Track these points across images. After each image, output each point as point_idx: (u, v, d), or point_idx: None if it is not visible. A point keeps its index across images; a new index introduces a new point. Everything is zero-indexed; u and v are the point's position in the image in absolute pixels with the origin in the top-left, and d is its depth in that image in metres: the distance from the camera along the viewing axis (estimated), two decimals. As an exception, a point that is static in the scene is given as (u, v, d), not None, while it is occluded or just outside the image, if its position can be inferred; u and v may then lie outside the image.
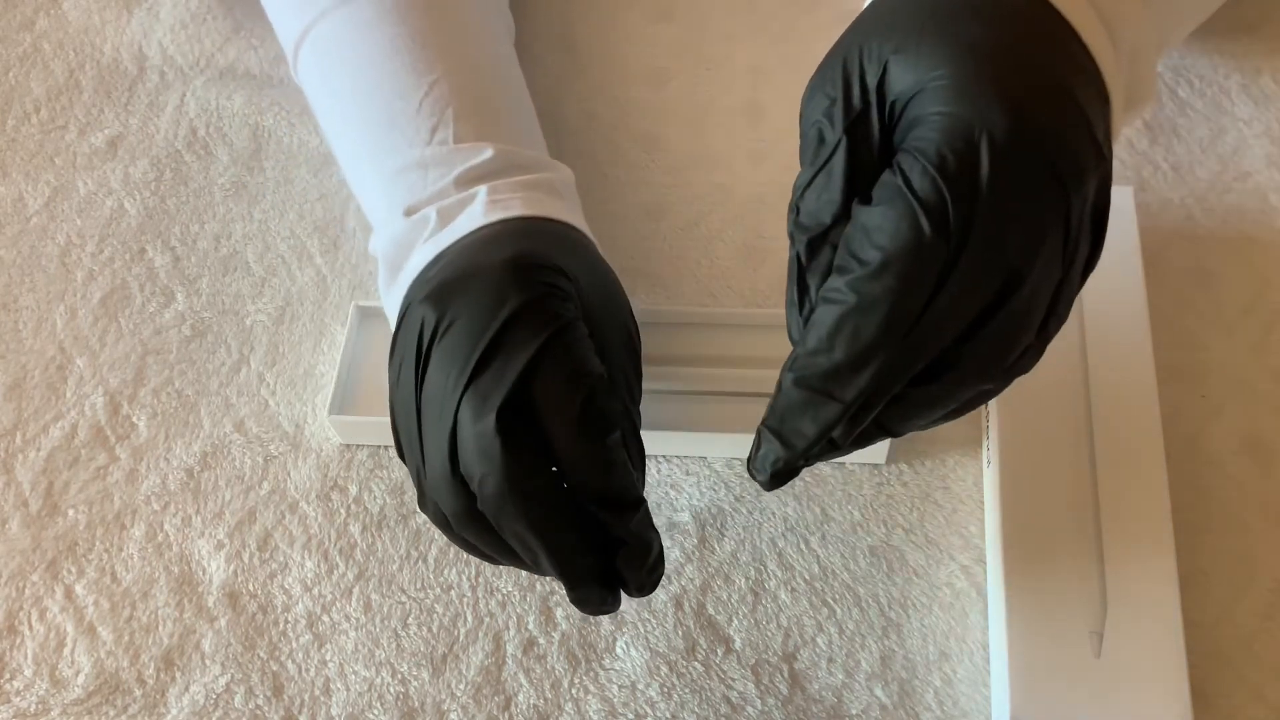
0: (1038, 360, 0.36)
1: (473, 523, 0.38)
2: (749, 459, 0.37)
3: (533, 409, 0.38)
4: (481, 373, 0.37)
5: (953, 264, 0.33)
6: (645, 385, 0.50)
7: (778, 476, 0.36)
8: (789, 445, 0.35)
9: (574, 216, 0.46)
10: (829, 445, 0.36)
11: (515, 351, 0.37)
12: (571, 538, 0.38)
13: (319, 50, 0.52)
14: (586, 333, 0.40)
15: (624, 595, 0.40)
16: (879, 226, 0.33)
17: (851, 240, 0.34)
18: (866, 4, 0.39)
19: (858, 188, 0.35)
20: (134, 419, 0.54)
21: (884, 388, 0.34)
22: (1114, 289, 0.51)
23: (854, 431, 0.35)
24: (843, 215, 0.35)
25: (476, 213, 0.44)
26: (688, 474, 0.51)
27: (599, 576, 0.38)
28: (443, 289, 0.40)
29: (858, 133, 0.35)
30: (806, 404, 0.35)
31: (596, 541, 0.38)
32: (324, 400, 0.54)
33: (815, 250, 0.36)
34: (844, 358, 0.34)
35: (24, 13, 0.69)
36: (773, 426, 0.36)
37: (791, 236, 0.37)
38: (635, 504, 0.39)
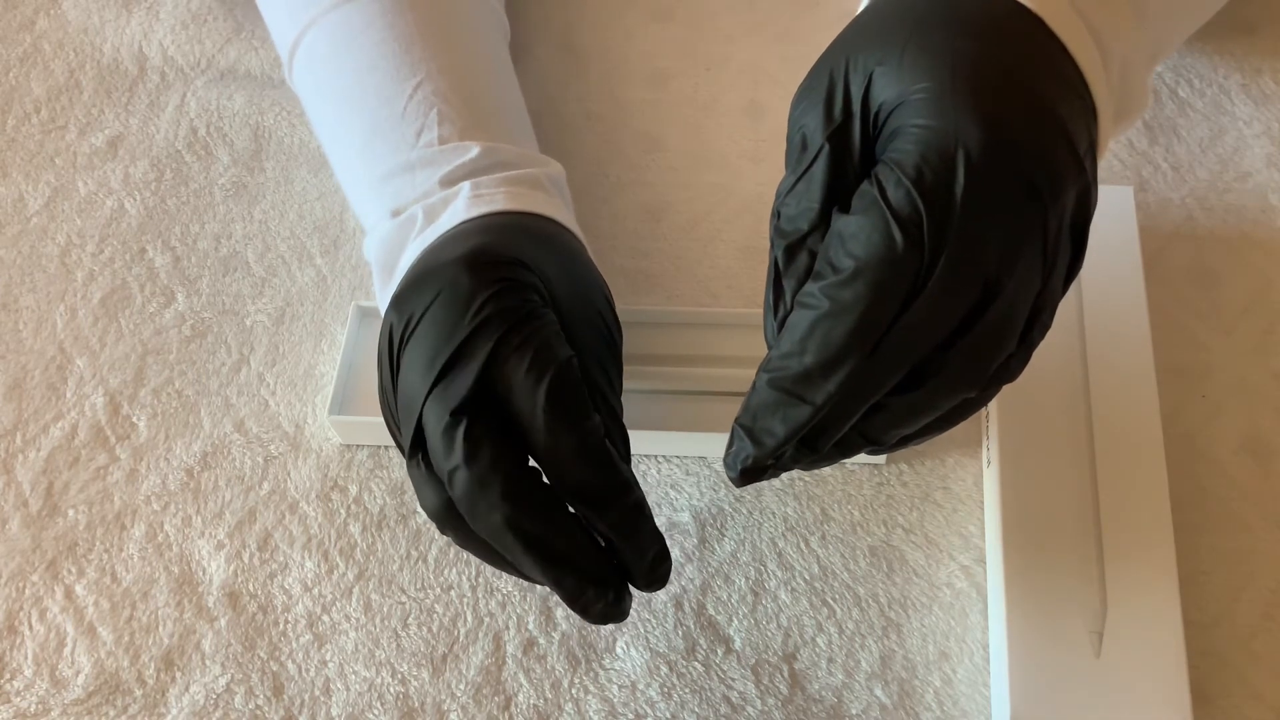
0: (1023, 369, 0.36)
1: (452, 524, 0.39)
2: (724, 455, 0.37)
3: (503, 404, 0.38)
4: (446, 373, 0.38)
5: (927, 275, 0.33)
6: (645, 385, 0.51)
7: (747, 474, 0.36)
8: (759, 444, 0.35)
9: (558, 210, 0.46)
10: (808, 450, 0.36)
11: (476, 347, 0.38)
12: (552, 534, 0.37)
13: (311, 57, 0.52)
14: (554, 320, 0.39)
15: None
16: (854, 235, 0.34)
17: (828, 247, 0.35)
18: (858, 11, 0.39)
19: (837, 196, 0.35)
20: (134, 419, 0.54)
21: (854, 394, 0.34)
22: (1114, 289, 0.51)
23: (831, 438, 0.35)
24: (821, 222, 0.36)
25: (459, 209, 0.44)
26: (688, 474, 0.51)
27: (591, 577, 0.38)
28: (405, 291, 0.40)
29: (840, 142, 0.36)
30: (778, 405, 0.35)
31: (589, 540, 0.38)
32: (324, 400, 0.54)
33: (793, 255, 0.36)
34: (814, 362, 0.34)
35: (24, 13, 0.69)
36: (745, 424, 0.36)
37: (772, 241, 0.37)
38: (619, 493, 0.38)
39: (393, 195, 0.47)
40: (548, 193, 0.47)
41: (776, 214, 0.37)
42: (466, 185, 0.45)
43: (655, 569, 0.39)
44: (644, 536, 0.39)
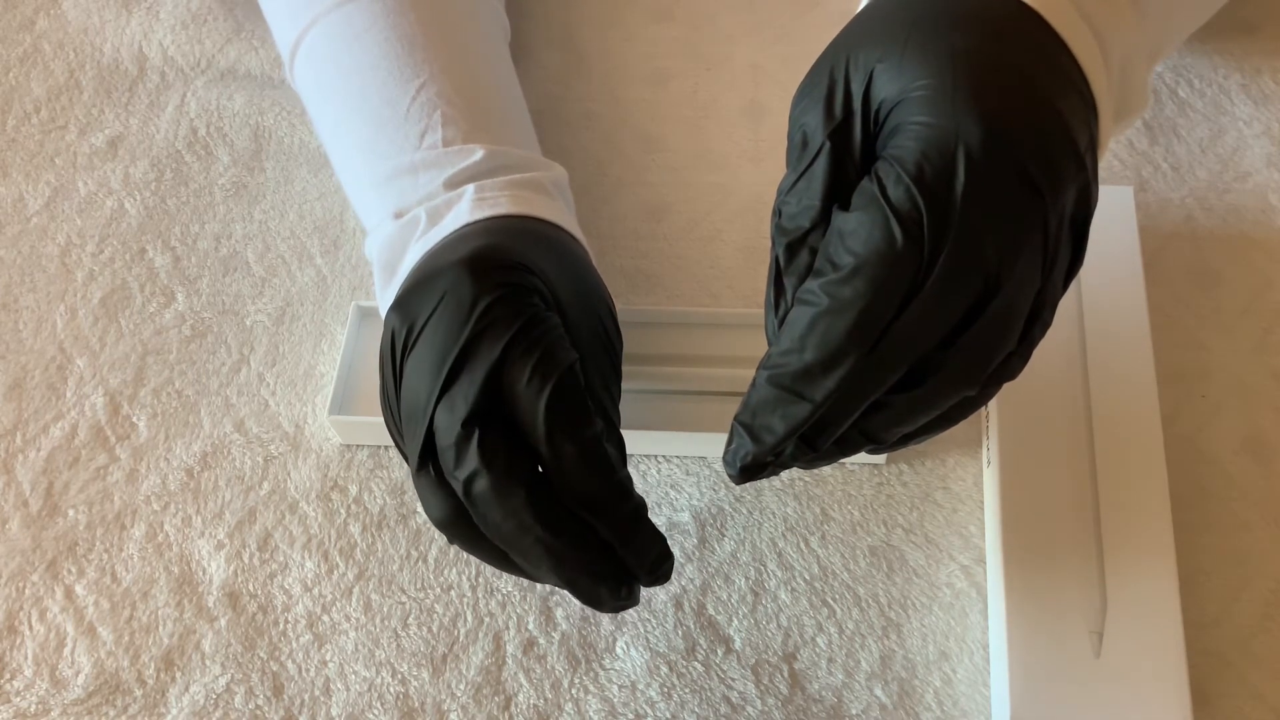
0: (1023, 367, 0.36)
1: (461, 531, 0.38)
2: (723, 453, 0.37)
3: (508, 408, 0.38)
4: (453, 380, 0.38)
5: (927, 272, 0.33)
6: (644, 385, 0.51)
7: (746, 471, 0.36)
8: (759, 441, 0.36)
9: (562, 214, 0.46)
10: (808, 448, 0.36)
11: (482, 352, 0.38)
12: (565, 539, 0.37)
13: (312, 57, 0.52)
14: (558, 323, 0.39)
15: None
16: (853, 232, 0.34)
17: (828, 244, 0.35)
18: (859, 9, 0.39)
19: (838, 193, 0.35)
20: (134, 419, 0.54)
21: (854, 391, 0.34)
22: (1114, 289, 0.51)
23: (830, 435, 0.35)
24: (821, 220, 0.36)
25: (463, 211, 0.44)
26: (688, 474, 0.51)
27: (602, 576, 0.38)
28: (407, 294, 0.40)
29: (840, 139, 0.36)
30: (777, 402, 0.35)
31: (598, 540, 0.38)
32: (324, 400, 0.54)
33: (794, 253, 0.36)
34: (814, 359, 0.34)
35: (24, 13, 0.69)
36: (744, 421, 0.36)
37: (773, 239, 0.37)
38: (617, 499, 0.38)
39: (396, 196, 0.47)
40: (551, 197, 0.47)
41: (777, 212, 0.37)
42: (470, 188, 0.45)
43: (657, 569, 0.39)
44: (643, 540, 0.39)
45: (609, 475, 0.38)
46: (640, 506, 0.39)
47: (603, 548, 0.38)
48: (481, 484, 0.37)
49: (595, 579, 0.38)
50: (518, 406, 0.37)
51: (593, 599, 0.39)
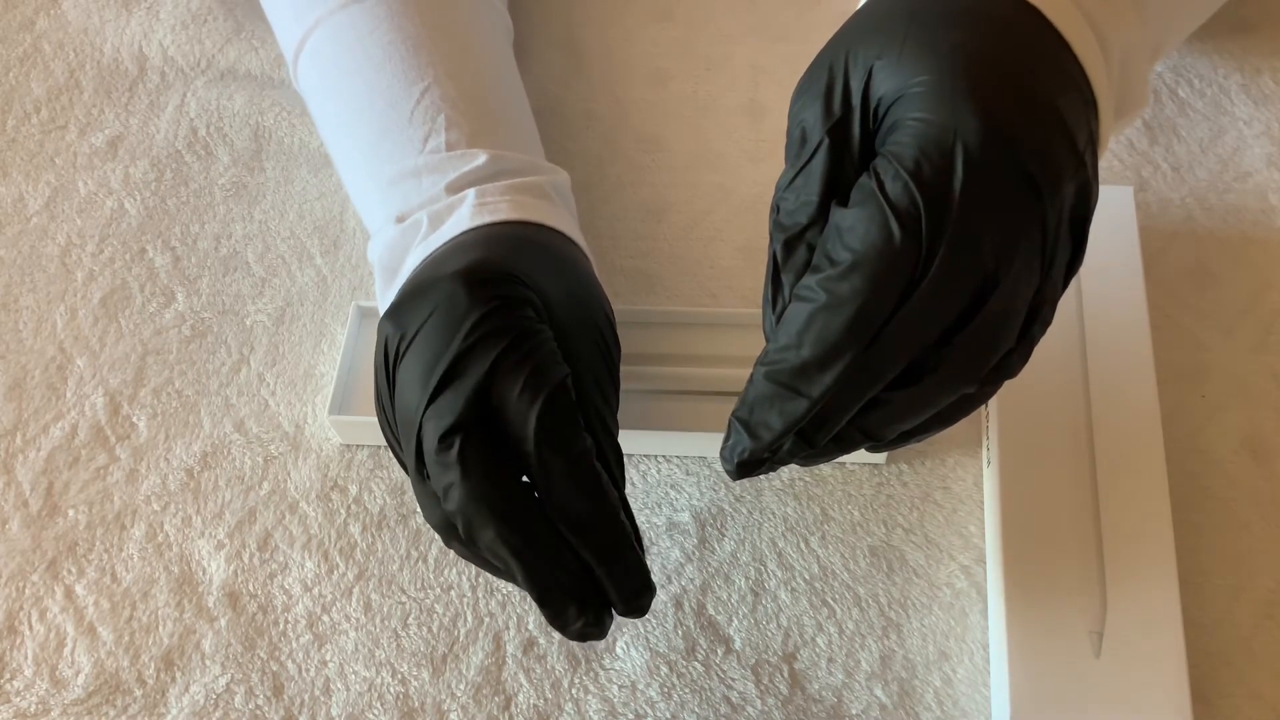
0: (1023, 365, 0.36)
1: (455, 537, 0.38)
2: (720, 449, 0.37)
3: (498, 421, 0.38)
4: (441, 390, 0.37)
5: (925, 268, 0.33)
6: (644, 385, 0.51)
7: (744, 467, 0.36)
8: (756, 437, 0.35)
9: (562, 219, 0.46)
10: (805, 445, 0.36)
11: (471, 364, 0.37)
12: (543, 552, 0.37)
13: (317, 59, 0.52)
14: (550, 338, 0.39)
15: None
16: (851, 228, 0.34)
17: (826, 240, 0.35)
18: (858, 6, 0.39)
19: (837, 190, 0.35)
20: (134, 419, 0.54)
21: (851, 387, 0.34)
22: (1114, 289, 0.51)
23: (828, 432, 0.35)
24: (820, 216, 0.36)
25: (463, 217, 0.44)
26: (688, 474, 0.51)
27: (575, 596, 0.38)
28: (400, 304, 0.40)
29: (839, 136, 0.36)
30: (774, 398, 0.35)
31: (574, 559, 0.38)
32: (324, 400, 0.54)
33: (791, 249, 0.36)
34: (811, 355, 0.34)
35: (24, 13, 0.69)
36: (741, 417, 0.36)
37: (771, 235, 0.37)
38: (604, 522, 0.38)
39: (398, 200, 0.47)
40: (552, 202, 0.47)
41: (775, 208, 0.37)
42: (471, 193, 0.45)
43: (634, 600, 0.39)
44: (626, 567, 0.38)
45: (598, 496, 0.38)
46: (626, 533, 0.38)
47: (578, 567, 0.38)
48: (458, 493, 0.37)
49: (566, 595, 0.38)
50: (508, 421, 0.37)
51: (560, 617, 0.38)
